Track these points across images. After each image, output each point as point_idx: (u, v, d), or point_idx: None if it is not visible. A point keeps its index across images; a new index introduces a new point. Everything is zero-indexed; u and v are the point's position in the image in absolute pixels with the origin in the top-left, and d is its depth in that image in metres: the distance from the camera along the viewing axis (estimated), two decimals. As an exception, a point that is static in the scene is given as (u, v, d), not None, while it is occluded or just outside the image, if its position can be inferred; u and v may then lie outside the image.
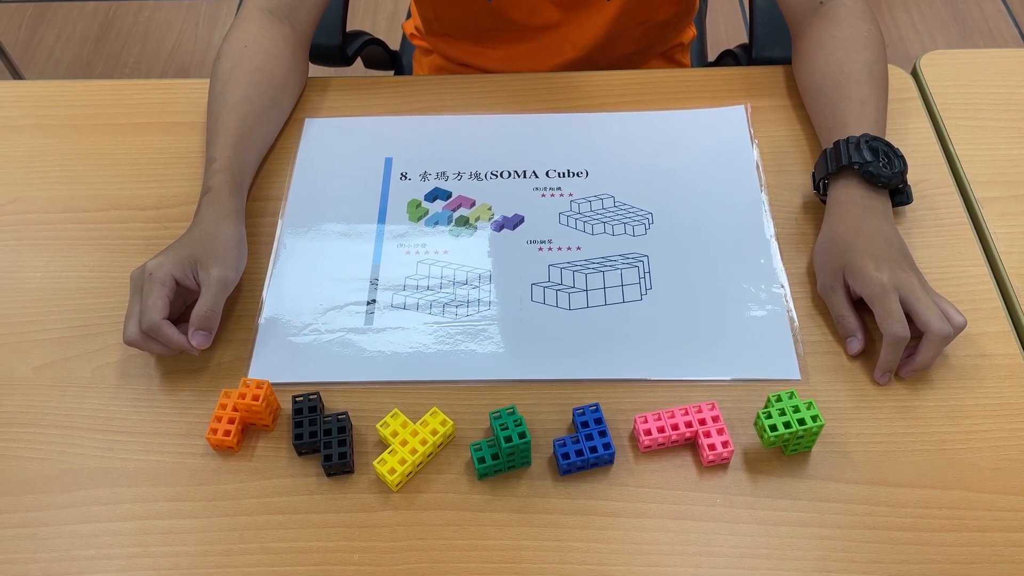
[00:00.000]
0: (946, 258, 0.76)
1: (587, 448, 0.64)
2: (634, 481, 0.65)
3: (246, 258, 0.75)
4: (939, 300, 0.69)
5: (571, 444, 0.64)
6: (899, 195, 0.77)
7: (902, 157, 0.75)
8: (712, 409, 0.66)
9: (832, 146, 0.76)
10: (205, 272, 0.70)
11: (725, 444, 0.64)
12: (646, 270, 0.76)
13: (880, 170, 0.73)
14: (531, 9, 0.97)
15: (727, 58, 1.11)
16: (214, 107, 0.82)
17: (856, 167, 0.73)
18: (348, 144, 0.87)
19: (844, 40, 0.83)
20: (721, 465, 0.65)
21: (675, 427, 0.65)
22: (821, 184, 0.77)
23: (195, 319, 0.69)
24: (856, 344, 0.70)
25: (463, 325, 0.73)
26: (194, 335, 0.69)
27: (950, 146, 0.84)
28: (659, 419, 0.65)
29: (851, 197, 0.74)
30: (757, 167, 0.84)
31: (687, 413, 0.66)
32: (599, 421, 0.65)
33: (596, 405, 0.66)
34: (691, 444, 0.66)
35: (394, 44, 1.27)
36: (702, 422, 0.65)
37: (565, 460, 0.64)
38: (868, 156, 0.73)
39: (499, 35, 1.01)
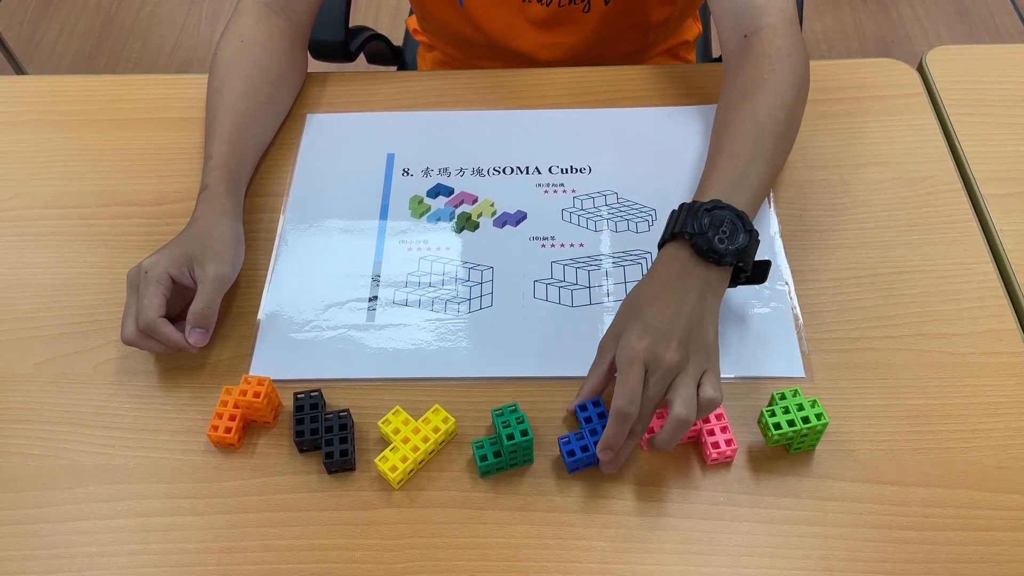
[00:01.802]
0: (952, 255, 0.75)
1: (592, 444, 0.64)
2: (637, 479, 0.64)
3: (243, 255, 0.75)
4: (690, 388, 0.61)
5: (576, 441, 0.64)
6: (742, 272, 0.67)
7: (752, 231, 0.66)
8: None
9: (677, 208, 0.68)
10: (201, 270, 0.69)
11: (728, 442, 0.64)
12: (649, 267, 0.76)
13: (713, 244, 0.64)
14: (507, 28, 0.96)
15: (731, 54, 1.10)
16: (211, 104, 0.81)
17: (687, 236, 0.65)
18: (350, 140, 0.87)
19: (739, 84, 0.75)
20: (724, 463, 0.65)
21: None
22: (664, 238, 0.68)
23: (192, 317, 0.68)
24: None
25: (465, 322, 0.73)
26: (191, 333, 0.68)
27: (956, 142, 0.84)
28: (662, 417, 0.65)
29: (676, 261, 0.66)
30: (761, 163, 0.83)
31: None
32: (602, 416, 0.65)
33: (598, 400, 0.66)
34: (694, 442, 0.66)
35: (397, 40, 1.27)
36: (705, 420, 0.65)
37: (571, 457, 0.63)
38: (704, 225, 0.64)
39: (487, 51, 1.00)
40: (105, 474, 0.66)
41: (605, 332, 0.67)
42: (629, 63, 0.98)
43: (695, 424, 0.64)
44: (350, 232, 0.80)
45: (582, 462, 0.64)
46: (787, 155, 0.77)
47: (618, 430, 0.61)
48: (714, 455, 0.64)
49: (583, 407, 0.66)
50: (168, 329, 0.67)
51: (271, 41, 0.85)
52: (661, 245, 0.68)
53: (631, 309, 0.65)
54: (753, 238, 0.66)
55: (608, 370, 0.65)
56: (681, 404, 0.60)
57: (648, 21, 0.98)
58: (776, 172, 0.75)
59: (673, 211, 0.68)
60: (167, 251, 0.70)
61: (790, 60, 0.75)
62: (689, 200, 0.68)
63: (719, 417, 0.65)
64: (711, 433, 0.64)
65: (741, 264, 0.66)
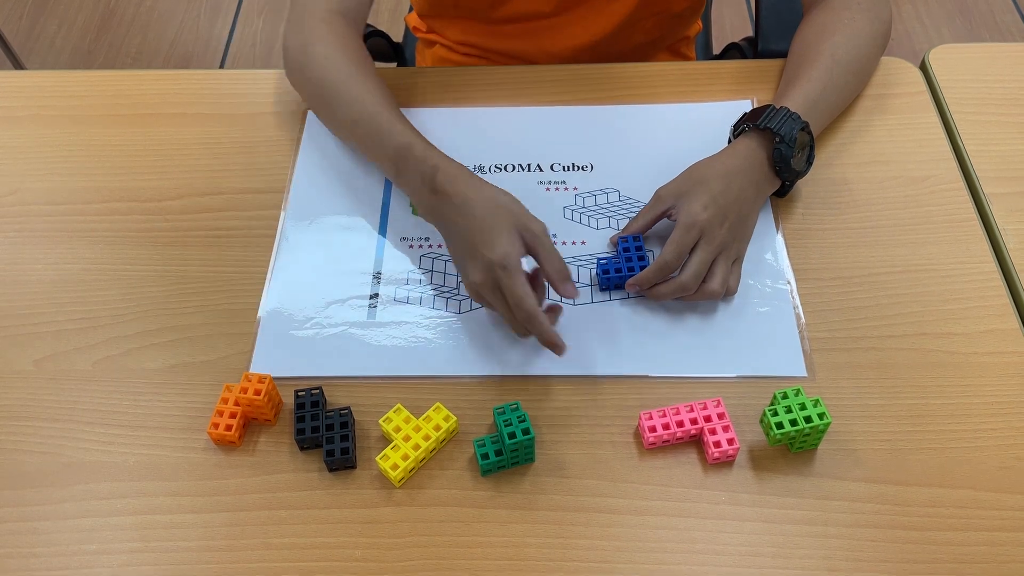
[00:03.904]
0: (954, 255, 0.75)
1: (626, 269, 0.72)
2: (638, 478, 0.64)
3: None
4: (727, 269, 0.71)
5: (612, 264, 0.73)
6: (782, 189, 0.78)
7: (812, 162, 0.77)
8: (718, 406, 0.65)
9: (781, 108, 0.75)
10: (529, 233, 0.67)
11: (731, 441, 0.63)
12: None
13: (789, 160, 0.74)
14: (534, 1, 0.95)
15: (732, 51, 1.10)
16: (360, 107, 0.76)
17: (778, 137, 0.73)
18: (351, 136, 0.87)
19: (818, 25, 0.83)
20: (726, 463, 0.65)
21: (680, 424, 0.64)
22: (743, 127, 0.76)
23: (556, 273, 0.66)
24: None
25: (467, 319, 0.73)
26: (566, 287, 0.66)
27: (959, 141, 0.84)
28: (664, 416, 0.65)
29: (753, 155, 0.74)
30: (763, 161, 0.83)
31: (692, 410, 0.65)
32: (640, 249, 0.73)
33: (639, 237, 0.74)
34: (696, 441, 0.66)
35: (397, 36, 1.26)
36: (707, 419, 0.65)
37: (605, 275, 0.72)
38: (793, 137, 0.73)
39: (503, 23, 0.99)
40: (105, 472, 0.66)
41: (665, 184, 0.74)
42: (635, 58, 0.98)
43: (696, 423, 0.64)
44: (351, 229, 0.80)
45: (612, 281, 0.73)
46: (853, 97, 0.85)
47: (654, 276, 0.70)
48: (716, 454, 0.64)
49: (624, 239, 0.74)
50: (544, 317, 0.66)
51: (359, 40, 0.83)
52: (739, 129, 0.76)
53: (699, 178, 0.73)
54: (811, 167, 0.77)
55: (657, 217, 0.75)
56: (717, 282, 0.70)
57: (669, 11, 0.98)
58: (840, 108, 0.83)
59: (766, 106, 0.75)
60: (501, 237, 0.66)
61: (869, 14, 0.83)
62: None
63: (721, 416, 0.65)
64: (713, 432, 0.64)
65: (788, 183, 0.77)
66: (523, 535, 0.62)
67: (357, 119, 0.77)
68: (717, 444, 0.63)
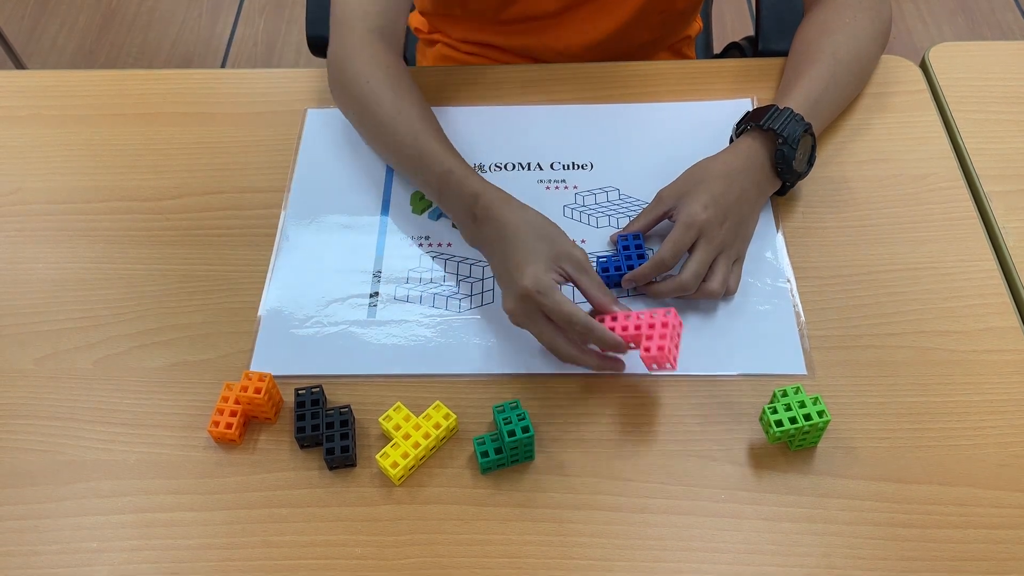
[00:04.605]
0: (954, 253, 0.75)
1: (626, 267, 0.72)
2: (638, 476, 0.64)
3: None
4: (727, 269, 0.71)
5: (612, 261, 0.73)
6: (782, 189, 0.78)
7: (813, 162, 0.77)
8: (666, 315, 0.64)
9: (784, 108, 0.75)
10: (570, 262, 0.66)
11: (660, 348, 0.63)
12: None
13: (791, 162, 0.74)
14: None
15: (733, 50, 1.10)
16: (399, 131, 0.76)
17: (781, 139, 0.73)
18: (350, 135, 0.87)
19: (819, 22, 0.84)
20: (727, 460, 0.65)
21: (624, 328, 0.64)
22: (745, 127, 0.76)
23: (603, 297, 0.66)
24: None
25: (467, 318, 0.73)
26: (613, 310, 0.65)
27: (959, 139, 0.84)
28: (627, 319, 0.65)
29: (755, 156, 0.74)
30: (763, 160, 0.83)
31: (649, 316, 0.64)
32: (639, 247, 0.73)
33: (639, 234, 0.74)
34: (697, 440, 0.66)
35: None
36: (651, 326, 0.64)
37: (605, 273, 0.72)
38: (796, 139, 0.73)
39: (510, 22, 0.99)
40: (106, 470, 0.66)
41: (667, 186, 0.75)
42: (637, 57, 0.98)
43: (639, 328, 0.64)
44: (351, 228, 0.80)
45: (612, 279, 0.73)
46: (854, 96, 0.85)
47: (650, 272, 0.70)
48: (643, 356, 0.63)
49: (624, 238, 0.74)
50: (597, 323, 0.64)
51: (399, 59, 0.82)
52: (741, 129, 0.76)
53: (700, 178, 0.73)
54: (812, 167, 0.77)
55: (658, 218, 0.75)
56: (717, 282, 0.70)
57: (674, 7, 0.99)
58: (842, 107, 0.83)
59: (770, 106, 0.75)
60: (534, 263, 0.65)
61: (870, 13, 0.83)
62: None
63: (664, 325, 0.63)
64: (649, 338, 0.63)
65: (788, 184, 0.76)
66: (523, 533, 0.62)
67: (399, 144, 0.76)
68: (647, 349, 0.63)
